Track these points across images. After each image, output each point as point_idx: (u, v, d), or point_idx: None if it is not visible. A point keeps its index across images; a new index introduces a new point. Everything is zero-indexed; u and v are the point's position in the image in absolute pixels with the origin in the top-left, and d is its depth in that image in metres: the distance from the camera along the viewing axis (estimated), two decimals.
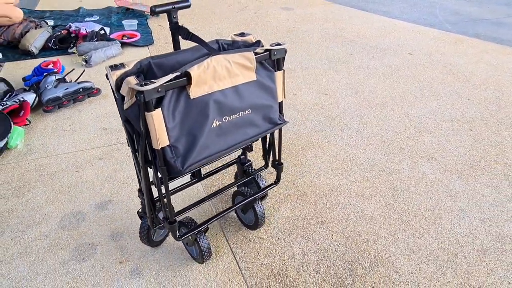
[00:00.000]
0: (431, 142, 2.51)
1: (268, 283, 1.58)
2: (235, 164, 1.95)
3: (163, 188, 1.35)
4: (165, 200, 1.39)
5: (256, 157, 2.33)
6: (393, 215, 1.93)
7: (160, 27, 4.64)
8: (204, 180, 2.07)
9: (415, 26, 4.83)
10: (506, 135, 2.60)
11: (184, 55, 1.41)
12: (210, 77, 1.25)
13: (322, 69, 3.57)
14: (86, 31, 3.81)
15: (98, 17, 4.76)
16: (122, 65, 1.24)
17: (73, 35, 3.82)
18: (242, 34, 1.53)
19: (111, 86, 1.25)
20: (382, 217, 1.92)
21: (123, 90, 1.19)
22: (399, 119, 2.78)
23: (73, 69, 3.17)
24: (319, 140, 2.53)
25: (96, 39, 3.76)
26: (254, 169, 1.86)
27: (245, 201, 1.65)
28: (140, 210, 1.63)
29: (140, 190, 1.55)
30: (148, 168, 1.35)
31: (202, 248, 1.55)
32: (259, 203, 1.73)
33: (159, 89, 1.13)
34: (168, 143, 1.22)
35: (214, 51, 1.30)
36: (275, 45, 1.42)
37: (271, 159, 1.72)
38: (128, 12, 5.01)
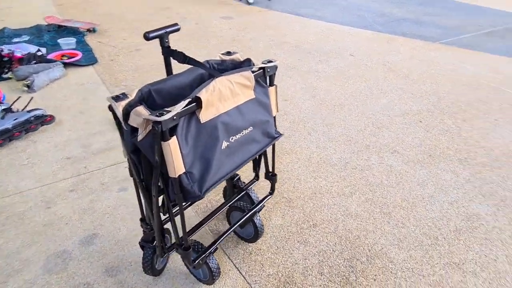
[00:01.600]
0: (390, 137, 2.73)
1: None
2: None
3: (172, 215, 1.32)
4: (173, 225, 1.37)
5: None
6: (375, 209, 2.07)
7: (100, 43, 4.42)
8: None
9: (350, 28, 5.17)
10: (450, 123, 2.92)
11: (180, 79, 1.40)
12: (217, 99, 1.26)
13: (276, 76, 3.68)
14: (21, 54, 3.51)
15: (28, 37, 4.39)
16: (124, 95, 1.20)
17: (5, 58, 3.50)
18: (229, 53, 1.55)
19: (114, 117, 1.20)
20: (366, 212, 2.05)
21: (134, 121, 1.15)
22: (357, 118, 2.97)
23: (19, 97, 2.91)
24: (291, 146, 2.62)
25: (34, 61, 3.49)
26: (244, 182, 1.89)
27: (246, 216, 1.67)
28: (141, 240, 1.57)
29: (143, 220, 1.50)
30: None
31: (212, 269, 1.54)
32: (258, 215, 1.76)
33: (175, 117, 1.12)
34: (184, 170, 1.20)
35: (216, 73, 1.31)
36: (267, 62, 1.46)
37: (261, 171, 1.76)
38: (61, 30, 4.70)
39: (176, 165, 1.17)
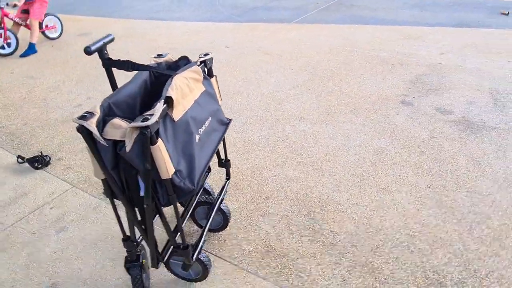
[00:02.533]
0: (291, 108, 3.07)
1: (266, 262, 1.76)
2: None
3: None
4: (167, 228, 1.37)
5: None
6: (308, 169, 2.36)
7: None
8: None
9: (212, 23, 5.42)
10: (331, 85, 3.42)
11: (130, 88, 1.39)
12: (180, 96, 1.31)
13: None
14: None
15: None
16: (90, 113, 1.15)
17: None
18: (160, 55, 1.59)
19: (86, 138, 1.15)
20: (302, 173, 2.32)
21: (114, 134, 1.13)
22: (258, 99, 3.23)
23: None
24: None
25: None
26: None
27: (216, 206, 1.74)
28: (127, 263, 1.50)
29: (126, 240, 1.44)
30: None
31: (205, 262, 1.58)
32: (223, 202, 1.84)
33: (157, 120, 1.14)
34: (173, 169, 1.23)
35: (171, 73, 1.34)
36: (204, 55, 1.55)
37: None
38: None
39: (168, 165, 1.19)
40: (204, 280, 1.67)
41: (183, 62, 1.55)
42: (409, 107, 2.99)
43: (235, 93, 3.36)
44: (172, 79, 1.30)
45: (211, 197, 1.83)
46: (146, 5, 6.74)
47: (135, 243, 1.45)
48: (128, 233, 1.46)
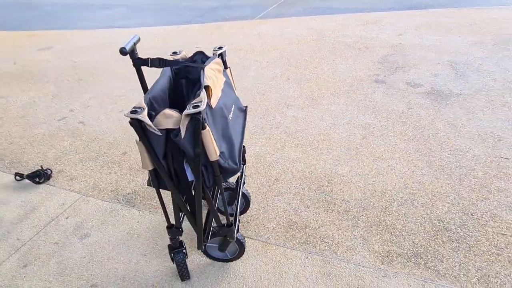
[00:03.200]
0: (276, 97, 3.23)
1: (290, 234, 1.90)
2: None
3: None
4: (225, 208, 1.48)
5: None
6: (307, 149, 2.53)
7: None
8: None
9: (176, 27, 5.45)
10: (308, 73, 3.62)
11: (161, 84, 1.48)
12: (213, 86, 1.42)
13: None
14: None
15: None
16: (140, 108, 1.24)
17: None
18: (175, 53, 1.68)
19: (138, 130, 1.23)
20: (303, 154, 2.49)
21: (167, 123, 1.22)
22: (243, 93, 3.36)
23: None
24: None
25: None
26: None
27: (239, 190, 1.86)
28: (171, 250, 1.58)
29: (171, 227, 1.53)
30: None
31: (241, 240, 1.70)
32: (244, 186, 1.96)
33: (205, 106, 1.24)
34: (219, 152, 1.34)
35: (200, 65, 1.45)
36: (218, 48, 1.67)
37: None
38: None
39: (215, 148, 1.30)
40: (239, 260, 1.78)
41: (199, 56, 1.65)
42: (383, 85, 3.25)
43: None
44: (203, 71, 1.40)
45: (233, 182, 1.94)
46: (100, 15, 6.61)
47: (180, 229, 1.54)
48: (172, 221, 1.54)
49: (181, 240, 1.61)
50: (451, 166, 2.24)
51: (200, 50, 1.66)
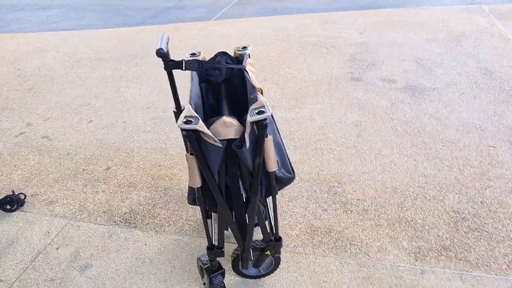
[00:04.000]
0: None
1: (317, 240, 1.83)
2: None
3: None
4: (275, 220, 1.35)
5: None
6: (306, 150, 2.48)
7: None
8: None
9: (127, 29, 5.09)
10: (283, 73, 3.57)
11: (195, 88, 1.33)
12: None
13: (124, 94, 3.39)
14: None
15: None
16: (194, 118, 1.08)
17: None
18: (194, 54, 1.53)
19: (196, 141, 1.07)
20: (303, 155, 2.43)
21: (228, 133, 1.08)
22: None
23: None
24: None
25: None
26: None
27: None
28: (211, 272, 1.42)
29: (212, 248, 1.37)
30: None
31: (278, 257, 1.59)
32: None
33: None
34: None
35: (242, 66, 1.31)
36: (242, 48, 1.54)
37: None
38: None
39: (274, 156, 1.18)
40: (272, 275, 1.67)
41: (222, 57, 1.52)
42: (361, 82, 3.32)
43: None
44: (245, 72, 1.27)
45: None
46: (36, 16, 5.98)
47: (222, 250, 1.39)
48: (213, 242, 1.39)
49: (219, 261, 1.46)
50: (448, 158, 2.34)
51: (223, 51, 1.52)
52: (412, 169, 2.26)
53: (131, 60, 4.02)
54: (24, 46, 4.62)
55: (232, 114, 1.26)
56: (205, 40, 4.51)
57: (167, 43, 1.24)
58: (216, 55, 1.53)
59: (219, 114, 1.16)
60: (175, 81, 1.34)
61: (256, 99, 1.14)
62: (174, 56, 4.12)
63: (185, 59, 1.25)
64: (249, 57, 1.50)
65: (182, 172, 2.35)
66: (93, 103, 3.21)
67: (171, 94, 1.37)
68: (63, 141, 2.71)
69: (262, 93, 1.21)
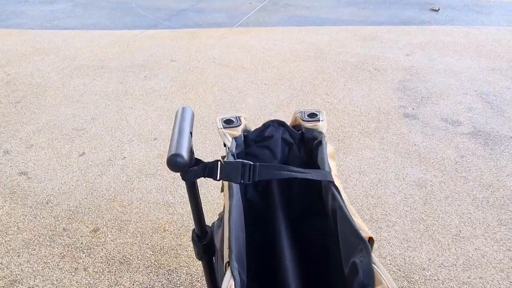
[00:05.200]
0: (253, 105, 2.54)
1: None
2: None
3: None
4: None
5: None
6: (370, 217, 1.87)
7: None
8: None
9: (140, 32, 4.53)
10: (320, 101, 2.97)
11: (236, 214, 0.73)
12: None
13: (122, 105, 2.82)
14: None
15: None
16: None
17: None
18: (229, 122, 0.94)
19: None
20: None
21: None
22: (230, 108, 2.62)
23: None
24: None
25: None
26: None
27: None
28: None
29: None
30: None
31: None
32: None
33: None
34: None
35: (329, 177, 0.72)
36: (311, 116, 0.94)
37: None
38: None
39: None
40: None
41: (278, 131, 0.92)
42: (416, 121, 2.70)
43: (212, 122, 2.69)
44: (337, 191, 0.68)
45: None
46: (40, 11, 5.44)
47: None
48: None
49: None
50: None
51: (278, 120, 0.93)
52: (508, 265, 1.64)
53: (139, 72, 3.45)
54: (21, 45, 4.07)
55: (293, 251, 0.68)
56: (226, 51, 3.92)
57: (191, 136, 0.65)
58: (266, 126, 0.94)
59: (269, 239, 0.58)
60: (198, 191, 0.74)
61: (369, 275, 0.54)
62: (190, 76, 3.48)
63: (223, 155, 0.66)
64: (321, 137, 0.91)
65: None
66: (88, 128, 2.63)
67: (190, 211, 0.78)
68: (44, 182, 2.13)
69: (373, 245, 0.62)
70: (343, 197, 0.70)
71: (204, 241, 0.78)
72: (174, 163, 0.55)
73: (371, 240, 0.61)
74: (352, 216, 0.64)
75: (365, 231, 0.61)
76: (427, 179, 2.15)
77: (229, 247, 0.60)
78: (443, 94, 3.07)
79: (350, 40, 4.23)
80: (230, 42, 4.17)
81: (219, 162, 0.64)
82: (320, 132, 0.89)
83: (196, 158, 0.67)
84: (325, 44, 4.09)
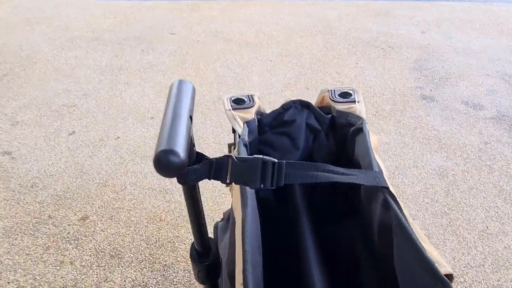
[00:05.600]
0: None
1: None
2: None
3: None
4: None
5: None
6: None
7: None
8: None
9: (138, 2, 4.25)
10: (330, 80, 2.75)
11: (251, 223, 0.53)
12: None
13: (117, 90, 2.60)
14: None
15: None
16: None
17: None
18: (240, 102, 0.74)
19: None
20: None
21: None
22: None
23: None
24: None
25: None
26: None
27: None
28: None
29: None
30: None
31: None
32: None
33: None
34: None
35: (384, 186, 0.53)
36: (339, 96, 0.74)
37: None
38: None
39: None
40: None
41: (300, 115, 0.73)
42: (434, 104, 2.50)
43: (214, 101, 2.48)
44: (399, 206, 0.49)
45: None
46: None
47: None
48: None
49: None
50: None
51: (301, 100, 0.73)
52: None
53: (136, 45, 3.21)
54: (8, 14, 3.80)
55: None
56: (229, 24, 3.66)
57: (190, 122, 0.45)
58: (285, 108, 0.74)
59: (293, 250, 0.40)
60: (199, 193, 0.55)
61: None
62: (190, 51, 3.27)
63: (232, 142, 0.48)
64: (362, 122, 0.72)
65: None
66: (80, 104, 2.43)
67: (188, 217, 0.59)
68: (30, 163, 1.95)
69: (452, 281, 0.44)
70: (403, 211, 0.51)
71: (207, 261, 0.60)
72: (165, 163, 0.35)
73: (450, 277, 0.43)
74: (421, 242, 0.46)
75: (442, 264, 0.43)
76: (449, 168, 1.96)
77: (244, 282, 0.42)
78: (462, 75, 2.85)
79: (361, 15, 3.96)
80: (232, 16, 3.90)
81: (230, 159, 0.45)
82: (359, 117, 0.70)
83: (197, 152, 0.48)
84: (334, 19, 3.83)
